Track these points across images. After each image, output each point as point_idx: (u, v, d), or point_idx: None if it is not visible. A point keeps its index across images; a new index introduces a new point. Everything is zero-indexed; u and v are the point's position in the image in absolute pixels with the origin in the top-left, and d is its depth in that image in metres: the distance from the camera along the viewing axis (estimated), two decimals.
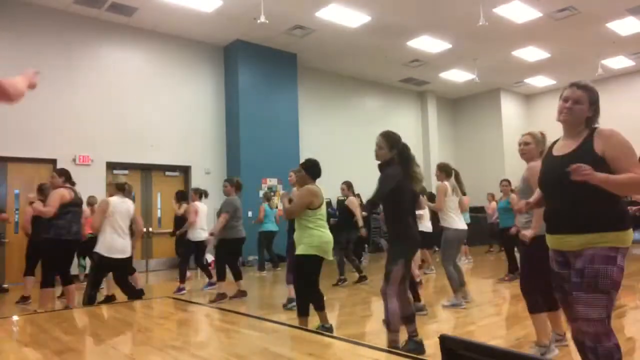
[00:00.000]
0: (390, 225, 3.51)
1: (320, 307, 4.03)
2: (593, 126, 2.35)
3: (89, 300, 4.90)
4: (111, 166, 9.51)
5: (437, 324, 4.59)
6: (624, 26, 10.59)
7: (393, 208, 3.47)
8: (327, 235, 3.98)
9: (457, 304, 5.27)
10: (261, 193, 10.47)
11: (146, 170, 10.16)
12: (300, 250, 3.91)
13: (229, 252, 6.35)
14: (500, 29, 10.33)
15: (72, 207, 5.24)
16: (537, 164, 3.08)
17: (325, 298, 4.24)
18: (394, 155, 3.47)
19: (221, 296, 6.08)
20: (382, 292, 3.40)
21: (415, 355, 3.35)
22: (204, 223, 7.15)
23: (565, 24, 10.29)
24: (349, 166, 11.66)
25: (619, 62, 13.02)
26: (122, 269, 5.14)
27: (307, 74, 12.44)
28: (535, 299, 3.32)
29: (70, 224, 5.23)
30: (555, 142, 2.50)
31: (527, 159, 3.49)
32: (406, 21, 10.01)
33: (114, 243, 4.88)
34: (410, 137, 15.13)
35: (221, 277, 6.24)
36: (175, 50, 10.42)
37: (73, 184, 5.50)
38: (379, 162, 3.53)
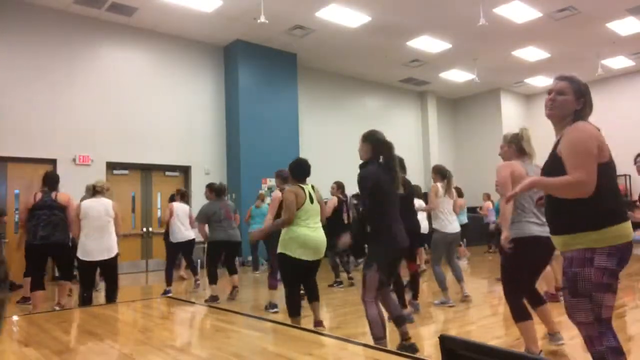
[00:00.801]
0: (370, 226, 3.35)
1: (294, 313, 3.92)
2: (581, 122, 2.21)
3: (83, 302, 4.92)
4: (111, 166, 9.51)
5: (435, 324, 4.59)
6: (624, 26, 10.59)
7: (371, 208, 3.33)
8: (304, 235, 3.80)
9: (445, 301, 5.34)
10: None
11: (146, 170, 10.16)
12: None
13: (214, 254, 6.36)
14: (500, 29, 10.33)
15: (36, 210, 5.20)
16: (502, 164, 3.36)
17: (320, 300, 4.22)
18: (374, 154, 3.41)
19: (213, 298, 6.04)
20: (362, 299, 3.31)
21: (415, 356, 3.36)
22: (184, 223, 7.00)
23: (565, 24, 10.29)
24: (348, 166, 11.63)
25: (619, 62, 13.02)
26: (106, 268, 5.03)
27: (307, 74, 12.44)
28: (518, 306, 3.19)
29: (36, 228, 5.18)
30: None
31: (505, 161, 3.53)
32: (406, 21, 10.01)
33: (87, 246, 4.82)
34: (410, 137, 15.15)
35: (211, 280, 6.22)
36: (175, 50, 10.42)
37: (52, 187, 5.40)
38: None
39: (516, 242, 3.17)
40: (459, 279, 5.51)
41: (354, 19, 9.76)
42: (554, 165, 2.18)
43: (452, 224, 5.37)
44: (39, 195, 5.27)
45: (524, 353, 1.00)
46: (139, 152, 9.71)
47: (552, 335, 3.47)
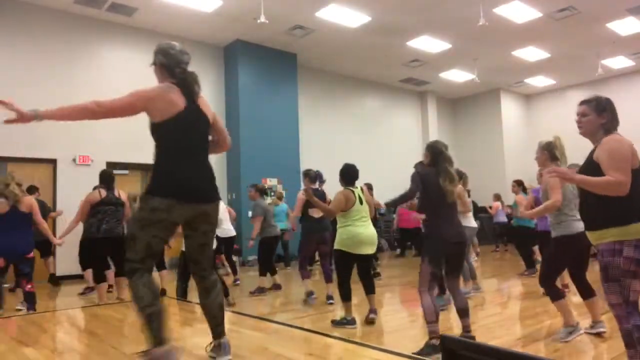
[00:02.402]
0: (425, 224, 3.78)
1: (345, 298, 4.45)
2: (610, 133, 2.64)
3: (182, 292, 5.55)
4: (111, 166, 9.48)
5: None
6: (624, 26, 10.58)
7: (425, 207, 3.70)
8: (354, 232, 4.38)
9: (466, 292, 5.75)
10: None
11: (146, 170, 10.15)
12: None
13: (270, 248, 6.82)
14: (500, 29, 10.33)
15: (101, 206, 5.64)
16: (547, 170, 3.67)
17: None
18: (432, 161, 3.76)
19: (277, 287, 6.61)
20: (417, 289, 3.62)
21: (414, 355, 3.37)
22: (226, 219, 7.31)
23: (565, 24, 10.29)
24: None
25: (619, 62, 13.01)
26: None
27: (307, 74, 12.44)
28: (554, 290, 3.69)
29: (100, 222, 5.61)
30: None
31: (539, 166, 3.99)
32: (406, 21, 10.01)
33: None
34: (410, 137, 15.16)
35: (272, 272, 6.72)
36: None
37: (110, 185, 5.83)
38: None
39: (563, 239, 3.66)
40: (473, 276, 5.96)
41: (354, 19, 9.76)
42: (589, 169, 2.56)
43: (470, 219, 5.95)
44: (104, 192, 5.69)
45: (524, 353, 1.00)
46: (139, 152, 9.70)
47: (596, 323, 3.82)
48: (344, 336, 4.02)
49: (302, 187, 6.02)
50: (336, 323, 4.34)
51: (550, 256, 3.80)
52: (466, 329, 3.68)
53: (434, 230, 3.60)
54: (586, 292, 3.83)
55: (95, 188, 6.56)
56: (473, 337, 3.65)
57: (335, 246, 4.46)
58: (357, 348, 3.51)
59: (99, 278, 5.76)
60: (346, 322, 4.33)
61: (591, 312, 3.85)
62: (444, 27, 10.40)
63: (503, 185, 13.74)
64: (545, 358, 3.30)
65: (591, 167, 2.57)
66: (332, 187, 7.56)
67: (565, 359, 3.32)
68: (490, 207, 11.63)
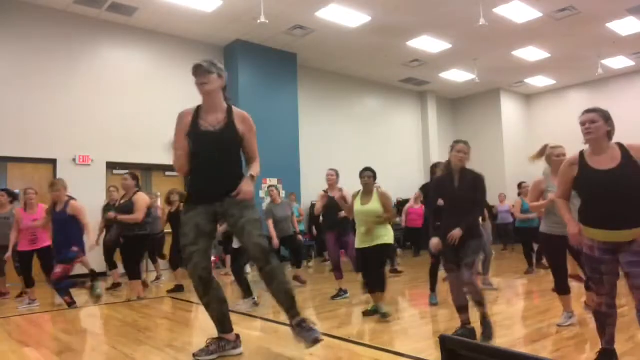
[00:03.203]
0: (476, 223, 3.89)
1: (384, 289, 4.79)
2: (616, 142, 2.83)
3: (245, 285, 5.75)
4: (111, 166, 9.52)
5: (437, 324, 4.59)
6: (624, 26, 10.58)
7: (481, 208, 3.96)
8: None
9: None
10: (262, 193, 10.49)
11: (146, 170, 10.16)
12: (384, 240, 4.78)
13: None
14: (500, 29, 10.34)
15: (151, 208, 6.06)
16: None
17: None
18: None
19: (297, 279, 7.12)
20: (468, 280, 3.73)
21: (414, 355, 3.37)
22: None
23: (565, 24, 10.29)
24: (349, 166, 11.65)
25: (619, 62, 13.01)
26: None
27: (307, 74, 12.44)
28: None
29: (155, 220, 6.13)
30: (583, 157, 2.91)
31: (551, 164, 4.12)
32: (406, 21, 10.02)
33: None
34: (410, 137, 15.15)
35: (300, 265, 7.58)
36: (175, 50, 10.41)
37: (140, 189, 6.15)
38: (462, 166, 3.91)
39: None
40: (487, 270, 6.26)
41: (354, 19, 9.76)
42: (636, 172, 2.73)
43: None
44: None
45: (524, 353, 1.00)
46: (139, 152, 9.71)
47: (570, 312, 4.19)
48: (362, 331, 4.04)
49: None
50: (368, 313, 4.72)
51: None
52: (465, 322, 3.86)
53: (479, 228, 3.89)
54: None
55: (109, 188, 7.36)
56: (472, 329, 3.76)
57: (389, 241, 4.84)
58: (357, 348, 3.52)
59: (138, 274, 6.06)
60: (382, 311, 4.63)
61: (566, 304, 4.15)
62: (444, 27, 10.41)
63: (503, 185, 13.74)
64: (545, 358, 3.29)
65: (636, 170, 2.73)
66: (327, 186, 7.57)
67: (566, 359, 3.32)
68: (513, 206, 11.63)
